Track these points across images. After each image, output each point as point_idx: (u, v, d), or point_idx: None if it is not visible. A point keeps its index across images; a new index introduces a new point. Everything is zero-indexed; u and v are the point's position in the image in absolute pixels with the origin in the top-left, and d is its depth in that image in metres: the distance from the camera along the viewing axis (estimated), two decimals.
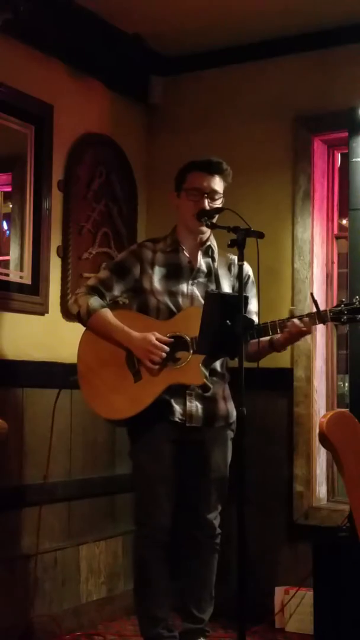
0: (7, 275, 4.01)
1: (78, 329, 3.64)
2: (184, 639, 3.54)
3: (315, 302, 3.32)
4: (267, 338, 3.38)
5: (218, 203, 3.47)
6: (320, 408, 4.44)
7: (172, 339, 3.36)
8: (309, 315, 3.33)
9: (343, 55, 4.36)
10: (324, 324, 3.40)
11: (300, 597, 4.10)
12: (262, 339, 3.35)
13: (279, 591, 4.22)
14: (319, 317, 3.31)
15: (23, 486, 3.93)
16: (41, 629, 3.88)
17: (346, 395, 4.59)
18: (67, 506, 4.17)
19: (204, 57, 4.70)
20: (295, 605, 4.12)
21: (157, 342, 3.34)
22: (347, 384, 4.59)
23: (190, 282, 3.50)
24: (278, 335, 3.36)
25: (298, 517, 4.34)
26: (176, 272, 3.50)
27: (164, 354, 3.34)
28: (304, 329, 3.31)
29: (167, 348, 3.34)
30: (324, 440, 3.61)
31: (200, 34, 4.47)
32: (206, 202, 3.43)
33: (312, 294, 3.39)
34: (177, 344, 3.36)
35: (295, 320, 3.30)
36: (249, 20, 4.30)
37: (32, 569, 3.89)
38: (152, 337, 3.35)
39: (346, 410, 3.90)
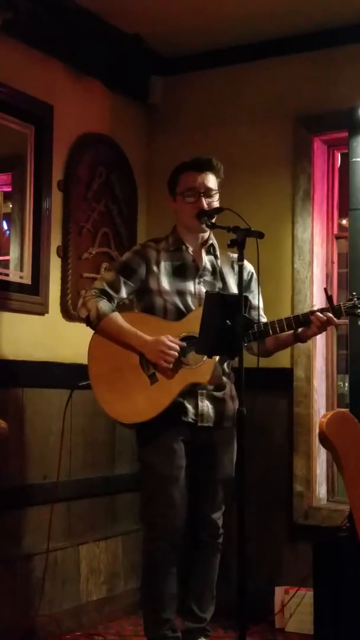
0: (7, 275, 4.01)
1: (78, 329, 3.65)
2: (185, 638, 3.54)
3: (329, 297, 3.33)
4: (291, 331, 3.42)
5: (215, 200, 3.47)
6: (320, 408, 4.44)
7: (183, 343, 3.36)
8: (324, 310, 3.34)
9: (343, 55, 4.36)
10: (338, 318, 3.41)
11: (300, 597, 4.10)
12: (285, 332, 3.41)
13: (279, 591, 4.23)
14: (334, 311, 3.33)
15: (23, 486, 3.93)
16: (41, 628, 3.88)
17: (346, 395, 4.59)
18: (67, 506, 4.17)
19: (204, 57, 4.70)
20: (295, 605, 4.12)
21: (169, 343, 3.32)
22: (347, 384, 4.59)
23: (196, 280, 3.50)
24: (301, 329, 3.40)
25: (298, 517, 4.34)
26: (182, 271, 3.49)
27: (176, 354, 3.33)
28: (328, 321, 3.34)
29: (178, 348, 3.33)
30: (324, 440, 3.61)
31: (201, 34, 4.47)
32: (203, 200, 3.43)
33: (326, 289, 3.42)
34: (191, 344, 3.35)
35: (319, 314, 3.33)
36: (249, 21, 4.30)
37: (33, 569, 3.89)
38: (165, 338, 3.34)
39: (346, 410, 3.90)
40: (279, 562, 4.37)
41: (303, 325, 3.38)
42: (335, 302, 3.38)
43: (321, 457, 4.43)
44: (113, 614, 4.34)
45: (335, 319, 3.36)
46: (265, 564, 4.34)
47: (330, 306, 3.34)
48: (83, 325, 3.52)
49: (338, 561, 3.59)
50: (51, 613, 3.96)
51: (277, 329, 3.37)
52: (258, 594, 4.06)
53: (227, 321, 2.98)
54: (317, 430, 3.81)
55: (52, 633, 3.92)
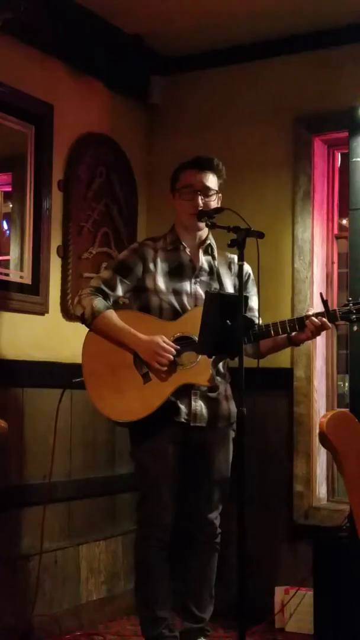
0: (7, 275, 4.01)
1: (78, 328, 3.64)
2: (184, 638, 3.54)
3: (324, 302, 3.33)
4: (285, 335, 3.42)
5: (213, 200, 3.47)
6: (320, 408, 4.44)
7: (178, 346, 3.35)
8: (319, 314, 3.35)
9: (343, 55, 4.36)
10: (333, 323, 3.41)
11: (300, 597, 4.09)
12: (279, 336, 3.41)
13: (279, 591, 4.23)
14: (329, 316, 3.33)
15: (23, 486, 3.93)
16: (41, 628, 3.88)
17: (346, 395, 4.59)
18: (67, 506, 4.17)
19: (204, 57, 4.70)
20: (295, 605, 4.12)
21: (164, 345, 3.32)
22: (347, 384, 4.59)
23: (193, 280, 3.50)
24: (295, 333, 3.40)
25: (298, 517, 4.34)
26: (178, 271, 3.49)
27: (171, 357, 3.32)
28: (322, 326, 3.34)
29: (174, 351, 3.33)
30: (324, 440, 3.61)
31: (200, 34, 4.47)
32: (199, 199, 3.43)
33: (321, 294, 3.41)
34: (185, 344, 3.35)
35: (314, 319, 3.33)
36: (249, 20, 4.30)
37: (33, 569, 3.89)
38: (160, 339, 3.33)
39: (346, 410, 3.90)
40: (279, 562, 4.37)
41: (297, 329, 3.38)
42: (335, 304, 3.38)
43: (321, 457, 4.43)
44: (113, 614, 4.35)
45: (329, 324, 3.36)
46: (265, 564, 4.34)
47: (326, 311, 3.34)
48: (83, 325, 3.51)
49: (338, 561, 3.59)
50: (51, 613, 3.97)
51: (272, 332, 3.37)
52: (258, 594, 4.06)
53: (227, 321, 2.98)
54: (317, 430, 3.81)
55: (52, 633, 3.92)
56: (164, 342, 3.33)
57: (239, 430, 2.98)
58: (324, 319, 3.34)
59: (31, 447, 3.98)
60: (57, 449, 3.93)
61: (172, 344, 3.34)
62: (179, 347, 3.35)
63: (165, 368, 3.33)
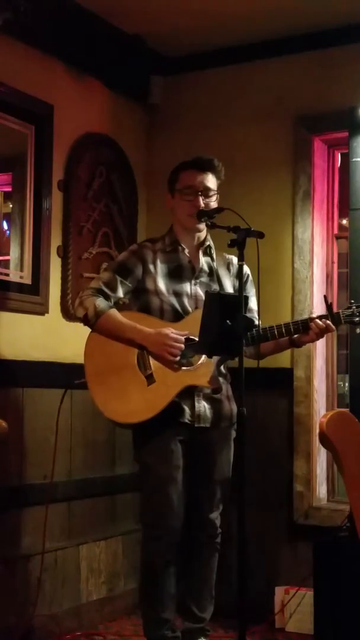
0: (7, 275, 4.01)
1: (78, 328, 3.64)
2: (185, 638, 3.54)
3: (329, 304, 3.34)
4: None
5: (213, 200, 3.47)
6: (320, 408, 4.44)
7: (186, 332, 3.35)
8: (322, 317, 3.35)
9: (343, 55, 4.36)
10: (337, 326, 3.41)
11: (300, 597, 4.10)
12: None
13: (279, 591, 4.23)
14: (333, 319, 3.34)
15: (23, 486, 3.93)
16: (41, 628, 3.88)
17: (346, 395, 4.59)
18: (67, 506, 4.17)
19: (204, 57, 4.70)
20: (295, 605, 4.12)
21: (174, 335, 3.31)
22: (347, 384, 4.59)
23: (192, 282, 3.49)
24: (298, 335, 3.41)
25: (298, 517, 4.34)
26: (178, 272, 3.49)
27: (182, 346, 3.31)
28: (326, 328, 3.36)
29: (183, 340, 3.32)
30: (324, 440, 3.61)
31: (201, 34, 4.47)
32: (201, 199, 3.43)
33: (325, 297, 3.42)
34: (189, 346, 3.34)
35: (318, 321, 3.34)
36: (249, 20, 4.30)
37: (33, 569, 3.89)
38: (168, 330, 3.32)
39: (346, 410, 3.90)
40: (279, 562, 4.37)
41: (302, 331, 3.38)
42: (335, 305, 3.38)
43: (321, 457, 4.43)
44: (113, 614, 4.35)
45: (333, 327, 3.36)
46: (265, 564, 4.34)
47: (330, 314, 3.34)
48: (83, 325, 3.51)
49: (338, 561, 3.59)
50: (51, 613, 3.97)
51: (276, 334, 3.37)
52: (258, 594, 4.06)
53: (227, 321, 2.98)
54: (317, 430, 3.81)
55: (52, 633, 3.92)
56: (173, 332, 3.33)
57: (240, 430, 2.98)
58: (328, 322, 3.35)
59: (31, 447, 3.98)
60: (57, 448, 3.93)
61: (181, 333, 3.33)
62: (187, 332, 3.34)
63: (178, 358, 3.32)
